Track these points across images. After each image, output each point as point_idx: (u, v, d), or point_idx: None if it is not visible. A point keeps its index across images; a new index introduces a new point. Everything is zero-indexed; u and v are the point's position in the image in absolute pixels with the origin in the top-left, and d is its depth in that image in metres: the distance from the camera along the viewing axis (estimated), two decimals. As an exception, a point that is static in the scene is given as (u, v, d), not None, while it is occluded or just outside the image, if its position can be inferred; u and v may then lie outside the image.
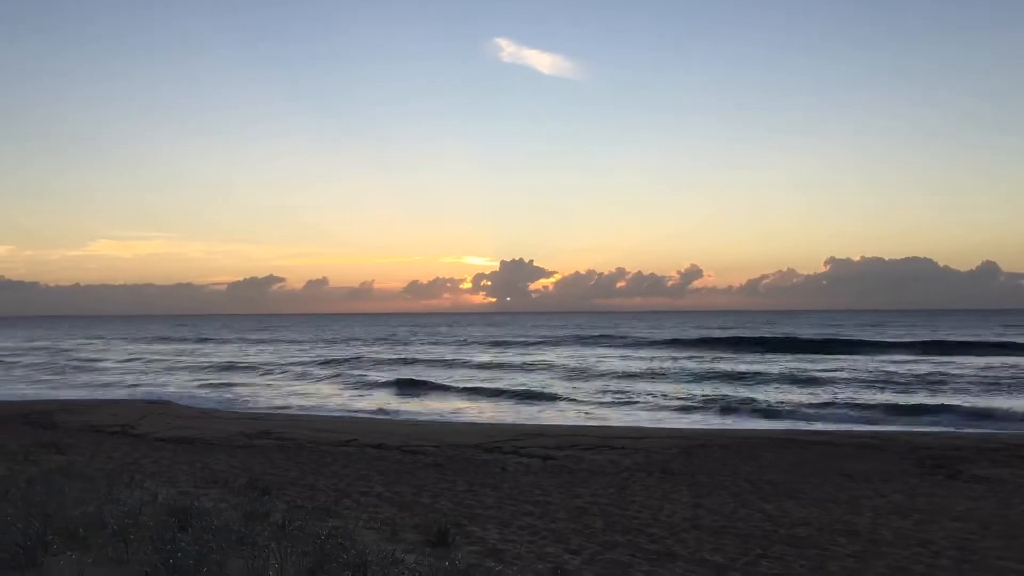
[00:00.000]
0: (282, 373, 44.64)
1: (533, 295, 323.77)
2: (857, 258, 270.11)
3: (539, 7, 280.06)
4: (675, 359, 50.21)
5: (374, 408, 28.06)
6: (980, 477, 13.66)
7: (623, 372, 41.35)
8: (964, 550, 8.73)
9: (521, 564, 7.35)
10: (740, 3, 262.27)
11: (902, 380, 34.81)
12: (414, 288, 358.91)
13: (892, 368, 40.48)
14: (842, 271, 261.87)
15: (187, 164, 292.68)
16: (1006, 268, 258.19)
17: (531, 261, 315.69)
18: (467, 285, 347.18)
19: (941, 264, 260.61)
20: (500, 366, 48.01)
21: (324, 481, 12.33)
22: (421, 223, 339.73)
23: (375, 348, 69.54)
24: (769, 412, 25.73)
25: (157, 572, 4.94)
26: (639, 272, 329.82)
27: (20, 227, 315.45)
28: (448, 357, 55.62)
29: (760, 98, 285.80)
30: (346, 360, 53.83)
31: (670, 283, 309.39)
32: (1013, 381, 33.73)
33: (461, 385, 35.71)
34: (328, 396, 32.76)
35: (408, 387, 35.69)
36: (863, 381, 34.62)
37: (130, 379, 41.13)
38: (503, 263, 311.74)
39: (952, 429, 21.27)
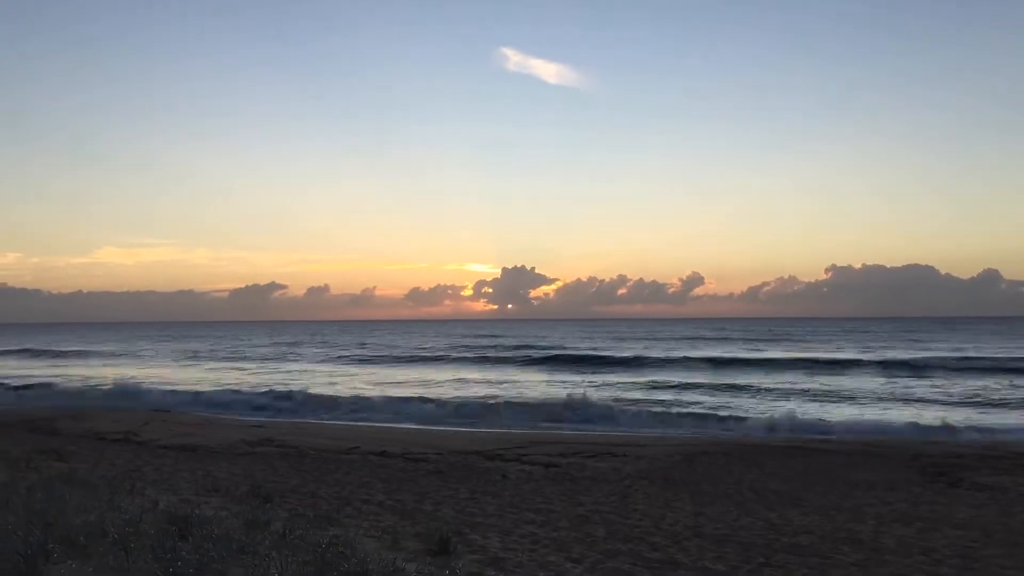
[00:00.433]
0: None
1: (534, 302, 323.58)
2: (858, 265, 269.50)
3: (545, 18, 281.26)
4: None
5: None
6: (982, 485, 13.63)
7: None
8: (966, 558, 8.70)
9: (523, 573, 7.34)
10: (743, 10, 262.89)
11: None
12: (415, 295, 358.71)
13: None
14: (843, 278, 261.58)
15: (193, 171, 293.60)
16: (1008, 276, 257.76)
17: (533, 268, 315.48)
18: (468, 292, 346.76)
19: (943, 272, 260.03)
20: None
21: (326, 489, 12.33)
22: (425, 230, 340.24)
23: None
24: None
25: (157, 581, 4.94)
26: (641, 279, 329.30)
27: (27, 234, 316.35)
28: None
29: (761, 105, 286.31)
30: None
31: (671, 290, 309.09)
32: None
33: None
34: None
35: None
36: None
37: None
38: (504, 270, 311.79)
39: (955, 437, 21.21)
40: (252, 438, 20.21)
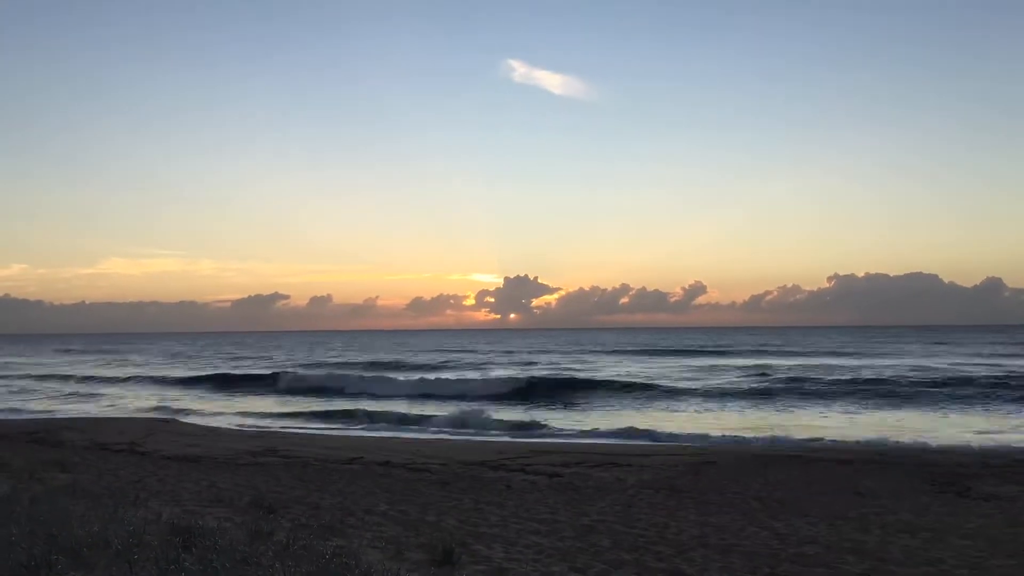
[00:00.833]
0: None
1: (536, 312, 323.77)
2: (861, 274, 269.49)
3: (551, 30, 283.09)
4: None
5: None
6: (989, 494, 13.56)
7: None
8: (974, 569, 8.64)
9: (526, 583, 7.30)
10: (745, 21, 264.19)
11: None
12: (417, 305, 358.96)
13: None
14: (846, 287, 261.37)
15: (198, 182, 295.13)
16: (1011, 284, 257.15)
17: (535, 278, 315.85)
18: (470, 302, 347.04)
19: (946, 280, 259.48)
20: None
21: (329, 499, 12.29)
22: (428, 240, 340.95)
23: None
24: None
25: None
26: (643, 288, 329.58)
27: (32, 246, 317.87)
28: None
29: (764, 114, 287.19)
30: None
31: (673, 299, 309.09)
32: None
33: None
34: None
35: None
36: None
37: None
38: (506, 279, 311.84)
39: (963, 445, 21.13)
40: (255, 448, 20.19)
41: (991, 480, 14.97)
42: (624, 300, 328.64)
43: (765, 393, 37.22)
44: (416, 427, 27.66)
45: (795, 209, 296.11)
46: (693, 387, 40.89)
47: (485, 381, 44.43)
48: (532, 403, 35.56)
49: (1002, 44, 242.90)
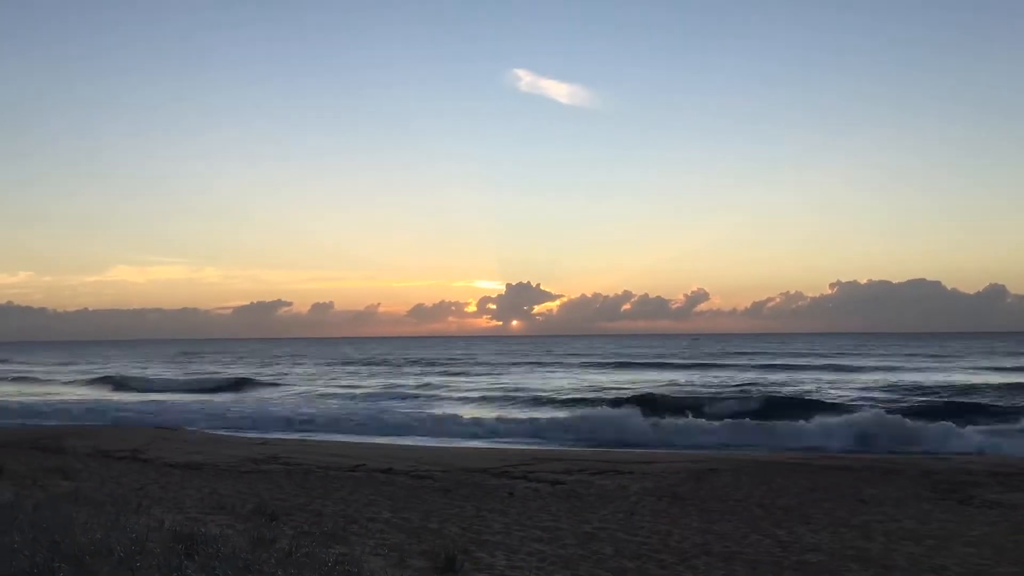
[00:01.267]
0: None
1: (538, 319, 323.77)
2: (864, 281, 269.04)
3: (558, 40, 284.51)
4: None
5: None
6: (993, 502, 13.51)
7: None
8: (978, 576, 8.62)
9: (529, 591, 7.29)
10: (748, 28, 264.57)
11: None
12: (418, 311, 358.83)
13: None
14: (848, 294, 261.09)
15: (205, 189, 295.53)
16: (1014, 291, 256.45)
17: (538, 285, 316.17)
18: (472, 309, 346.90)
19: (949, 287, 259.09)
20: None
21: (332, 507, 12.28)
22: (431, 247, 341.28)
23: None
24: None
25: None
26: (646, 295, 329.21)
27: (39, 254, 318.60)
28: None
29: (766, 121, 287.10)
30: None
31: (675, 306, 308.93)
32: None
33: None
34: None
35: None
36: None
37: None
38: (508, 286, 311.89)
39: (967, 452, 21.08)
40: (258, 456, 20.18)
41: (996, 488, 14.92)
42: (626, 307, 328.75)
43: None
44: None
45: (797, 215, 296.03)
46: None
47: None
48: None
49: (1004, 49, 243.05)
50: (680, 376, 56.22)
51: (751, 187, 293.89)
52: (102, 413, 35.59)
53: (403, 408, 37.89)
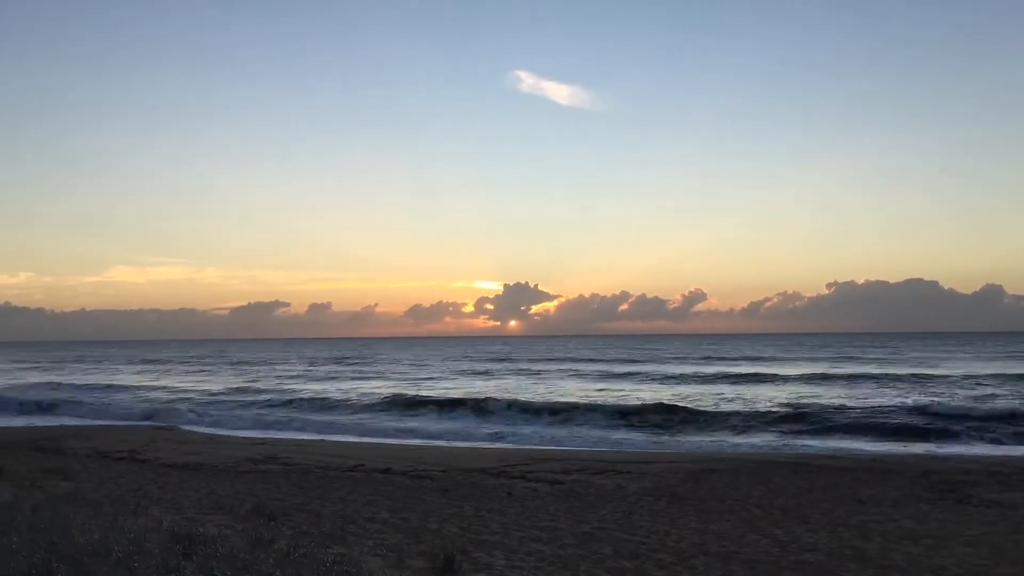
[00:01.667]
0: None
1: (535, 319, 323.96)
2: (861, 281, 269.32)
3: (559, 41, 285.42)
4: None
5: None
6: (992, 501, 13.52)
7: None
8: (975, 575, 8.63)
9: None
10: (746, 30, 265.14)
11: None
12: (415, 312, 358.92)
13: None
14: (846, 294, 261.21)
15: (204, 189, 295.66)
16: (1011, 291, 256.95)
17: (536, 285, 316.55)
18: (469, 309, 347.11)
19: (946, 287, 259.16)
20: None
21: (330, 507, 12.28)
22: (429, 248, 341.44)
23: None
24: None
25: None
26: (643, 295, 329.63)
27: (40, 255, 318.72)
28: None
29: (764, 122, 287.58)
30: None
31: (672, 306, 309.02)
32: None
33: None
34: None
35: None
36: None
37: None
38: (506, 287, 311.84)
39: (964, 452, 21.09)
40: (256, 456, 20.17)
41: (994, 487, 14.92)
42: (623, 307, 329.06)
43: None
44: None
45: (795, 216, 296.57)
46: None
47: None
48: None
49: (1002, 49, 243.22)
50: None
51: (749, 188, 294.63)
52: None
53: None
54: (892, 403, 33.33)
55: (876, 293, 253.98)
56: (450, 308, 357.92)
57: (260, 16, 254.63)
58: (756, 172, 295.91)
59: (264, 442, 24.44)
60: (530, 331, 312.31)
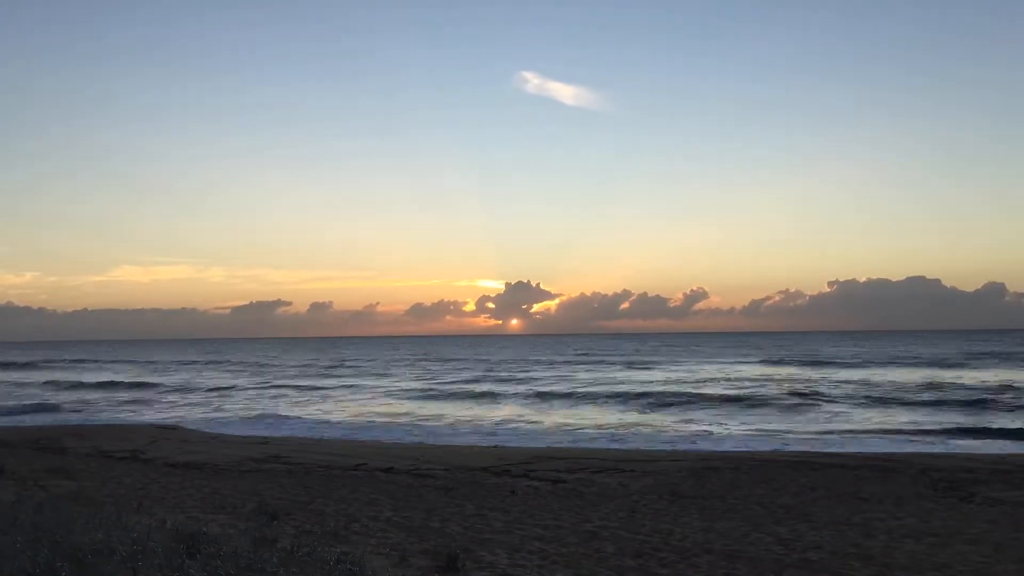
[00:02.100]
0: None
1: (536, 318, 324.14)
2: (862, 279, 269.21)
3: (564, 42, 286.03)
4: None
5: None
6: (994, 499, 13.51)
7: None
8: (979, 574, 8.62)
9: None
10: (749, 32, 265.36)
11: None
12: (417, 310, 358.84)
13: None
14: (847, 292, 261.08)
15: (210, 189, 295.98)
16: (1013, 288, 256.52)
17: (538, 284, 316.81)
18: (471, 308, 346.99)
19: (948, 285, 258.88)
20: None
21: (333, 506, 12.29)
22: (435, 247, 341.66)
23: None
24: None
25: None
26: (644, 293, 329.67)
27: (45, 255, 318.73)
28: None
29: (766, 121, 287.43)
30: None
31: (673, 304, 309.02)
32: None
33: None
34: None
35: None
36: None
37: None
38: (508, 286, 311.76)
39: (966, 451, 21.07)
40: (258, 455, 20.18)
41: (997, 485, 14.91)
42: (624, 305, 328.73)
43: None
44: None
45: (796, 214, 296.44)
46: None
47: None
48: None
49: (1003, 49, 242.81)
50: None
51: (751, 186, 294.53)
52: None
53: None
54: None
55: (878, 291, 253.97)
56: (451, 307, 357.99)
57: (265, 19, 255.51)
58: (758, 171, 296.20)
59: (266, 441, 24.44)
60: (531, 330, 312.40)
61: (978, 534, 10.67)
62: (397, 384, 53.43)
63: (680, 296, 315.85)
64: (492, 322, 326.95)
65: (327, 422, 31.59)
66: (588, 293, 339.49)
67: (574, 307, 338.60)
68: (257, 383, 54.91)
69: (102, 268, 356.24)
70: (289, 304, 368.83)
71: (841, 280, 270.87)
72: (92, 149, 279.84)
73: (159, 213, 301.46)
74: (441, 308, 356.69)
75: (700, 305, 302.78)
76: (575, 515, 11.99)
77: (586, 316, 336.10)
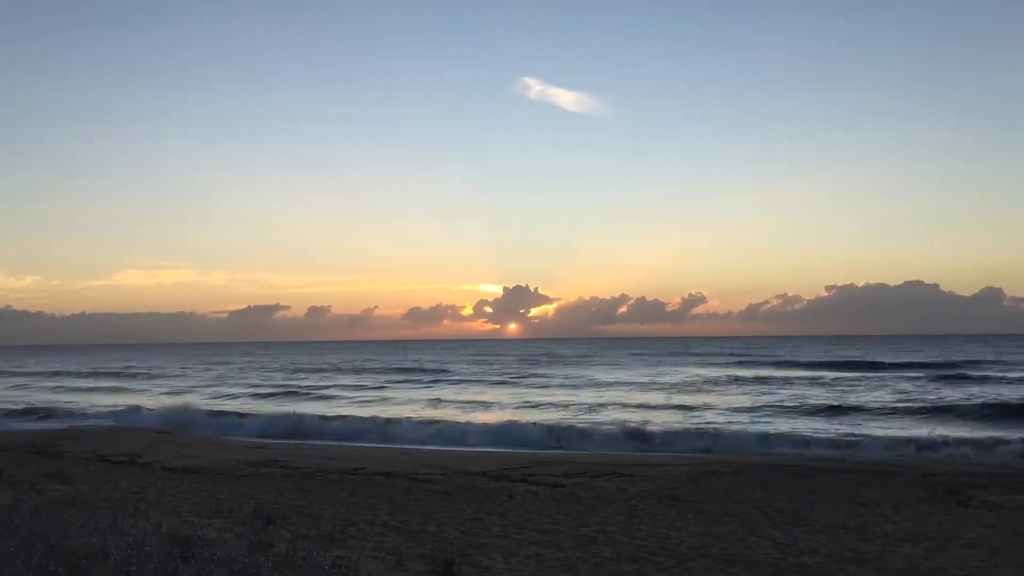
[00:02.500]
0: None
1: (534, 322, 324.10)
2: (860, 283, 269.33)
3: (566, 48, 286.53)
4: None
5: None
6: (992, 504, 13.51)
7: None
8: (976, 578, 8.62)
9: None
10: (749, 37, 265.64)
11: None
12: (414, 314, 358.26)
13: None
14: (845, 296, 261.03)
15: (212, 194, 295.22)
16: (1011, 293, 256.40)
17: (536, 289, 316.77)
18: (468, 311, 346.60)
19: (946, 289, 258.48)
20: None
21: (330, 510, 12.28)
22: (433, 251, 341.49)
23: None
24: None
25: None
26: (642, 297, 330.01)
27: (47, 258, 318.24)
28: None
29: (764, 126, 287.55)
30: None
31: (671, 308, 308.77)
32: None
33: None
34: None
35: None
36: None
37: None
38: (506, 289, 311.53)
39: (965, 455, 21.06)
40: (256, 459, 20.16)
41: (996, 490, 14.90)
42: (622, 309, 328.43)
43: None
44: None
45: (794, 219, 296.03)
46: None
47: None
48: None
49: (1002, 55, 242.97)
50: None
51: (750, 191, 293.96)
52: None
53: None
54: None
55: (876, 296, 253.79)
56: (449, 311, 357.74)
57: (266, 23, 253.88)
58: (757, 175, 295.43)
59: (264, 445, 24.42)
60: (529, 334, 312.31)
61: (975, 538, 10.67)
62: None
63: (678, 300, 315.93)
64: (490, 326, 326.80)
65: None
66: (586, 297, 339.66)
67: (572, 311, 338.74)
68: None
69: (105, 272, 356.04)
70: (287, 308, 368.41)
71: (839, 285, 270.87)
72: (97, 154, 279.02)
73: (162, 217, 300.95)
74: (439, 312, 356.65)
75: (698, 309, 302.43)
76: (572, 519, 11.98)
77: (584, 320, 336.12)
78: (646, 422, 28.99)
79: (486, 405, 39.47)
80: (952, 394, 38.05)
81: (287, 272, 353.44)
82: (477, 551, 9.19)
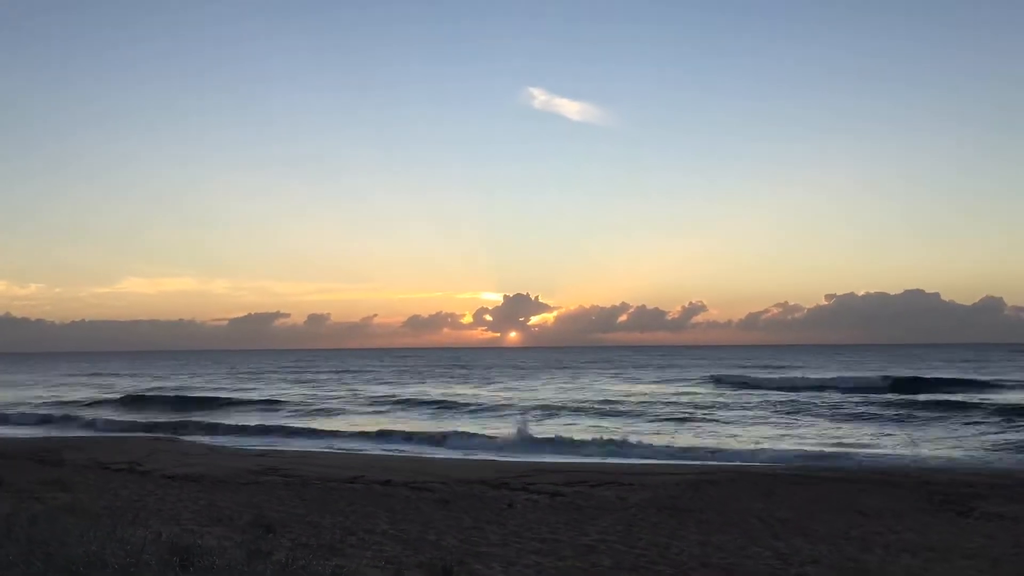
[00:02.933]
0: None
1: (534, 330, 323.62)
2: (860, 292, 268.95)
3: (571, 59, 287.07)
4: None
5: None
6: (993, 514, 13.47)
7: None
8: (977, 589, 8.59)
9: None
10: (747, 44, 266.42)
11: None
12: (414, 322, 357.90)
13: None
14: (845, 305, 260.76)
15: (214, 201, 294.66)
16: (1011, 302, 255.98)
17: (537, 297, 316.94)
18: (468, 320, 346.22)
19: (946, 299, 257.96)
20: None
21: (329, 519, 12.26)
22: (434, 259, 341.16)
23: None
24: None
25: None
26: (643, 306, 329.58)
27: (50, 266, 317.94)
28: None
29: (763, 133, 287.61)
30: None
31: (671, 317, 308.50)
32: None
33: None
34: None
35: None
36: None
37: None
38: (506, 298, 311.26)
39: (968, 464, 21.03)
40: (256, 467, 20.13)
41: (997, 500, 14.86)
42: (623, 318, 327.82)
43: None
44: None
45: (795, 227, 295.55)
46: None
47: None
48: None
49: (1001, 62, 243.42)
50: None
51: (750, 199, 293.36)
52: None
53: None
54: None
55: (876, 305, 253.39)
56: (448, 319, 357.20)
57: (271, 31, 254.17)
58: (758, 184, 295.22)
59: (264, 453, 24.39)
60: (529, 342, 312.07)
61: (976, 549, 10.64)
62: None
63: (678, 309, 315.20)
64: (490, 334, 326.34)
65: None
66: (586, 306, 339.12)
67: (572, 320, 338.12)
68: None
69: (108, 280, 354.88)
70: (287, 316, 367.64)
71: (839, 294, 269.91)
72: (100, 162, 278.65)
73: (165, 226, 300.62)
74: (439, 320, 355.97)
75: (698, 318, 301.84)
76: (572, 528, 11.96)
77: (584, 328, 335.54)
78: (646, 432, 29.03)
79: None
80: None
81: (289, 280, 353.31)
82: (476, 560, 9.17)
